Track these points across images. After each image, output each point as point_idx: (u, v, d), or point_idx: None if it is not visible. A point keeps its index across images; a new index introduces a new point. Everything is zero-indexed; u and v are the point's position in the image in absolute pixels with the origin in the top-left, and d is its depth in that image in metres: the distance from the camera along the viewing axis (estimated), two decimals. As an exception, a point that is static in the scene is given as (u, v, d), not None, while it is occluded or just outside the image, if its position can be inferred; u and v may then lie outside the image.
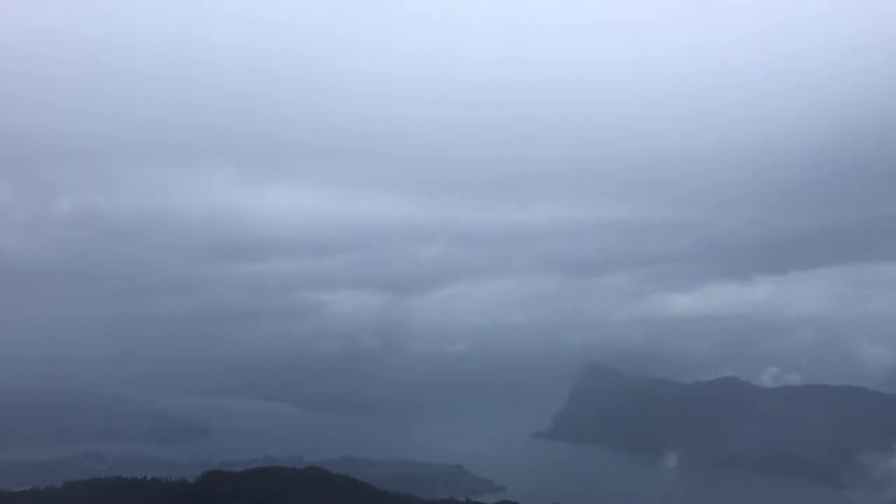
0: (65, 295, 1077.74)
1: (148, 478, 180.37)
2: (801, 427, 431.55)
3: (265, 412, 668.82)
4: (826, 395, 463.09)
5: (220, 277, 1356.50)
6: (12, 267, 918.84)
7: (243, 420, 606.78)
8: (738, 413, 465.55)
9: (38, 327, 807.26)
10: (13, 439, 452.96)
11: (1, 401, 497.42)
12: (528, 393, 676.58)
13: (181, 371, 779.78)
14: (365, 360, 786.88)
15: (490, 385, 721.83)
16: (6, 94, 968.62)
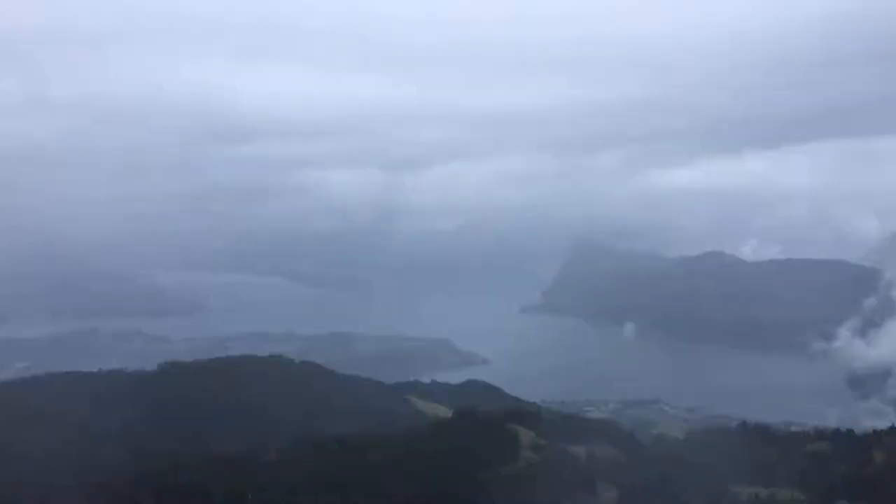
0: (63, 177, 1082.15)
1: (104, 370, 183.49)
2: (781, 300, 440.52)
3: (259, 287, 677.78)
4: (808, 269, 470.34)
5: (216, 158, 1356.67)
6: (11, 152, 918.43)
7: (238, 296, 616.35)
8: (722, 286, 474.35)
9: (37, 209, 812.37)
10: (11, 318, 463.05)
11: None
12: (520, 269, 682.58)
13: (178, 248, 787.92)
14: (357, 237, 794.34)
15: (482, 261, 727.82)
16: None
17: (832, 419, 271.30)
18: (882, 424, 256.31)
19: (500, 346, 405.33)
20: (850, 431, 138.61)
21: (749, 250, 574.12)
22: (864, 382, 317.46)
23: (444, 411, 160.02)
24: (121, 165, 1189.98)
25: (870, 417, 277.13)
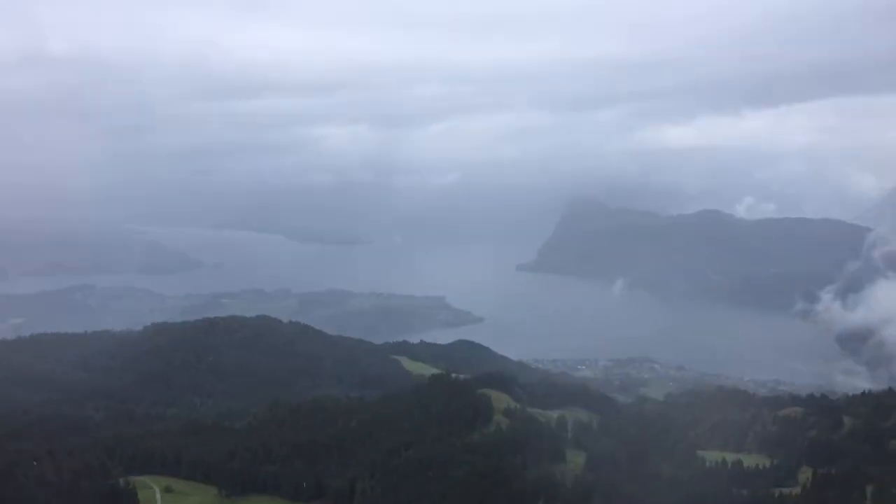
0: (60, 131, 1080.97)
1: (90, 331, 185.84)
2: (774, 259, 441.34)
3: (258, 243, 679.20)
4: (802, 228, 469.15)
5: (213, 114, 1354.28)
6: (8, 106, 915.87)
7: (236, 252, 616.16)
8: (716, 245, 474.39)
9: (36, 165, 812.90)
10: (8, 273, 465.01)
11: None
12: (518, 225, 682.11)
13: (176, 203, 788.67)
14: (355, 193, 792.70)
15: (480, 216, 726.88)
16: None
17: (814, 378, 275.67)
18: (859, 384, 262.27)
19: (495, 304, 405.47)
20: (823, 396, 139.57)
21: (745, 208, 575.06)
22: (846, 342, 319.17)
23: (431, 371, 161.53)
24: (118, 120, 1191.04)
25: (847, 377, 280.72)
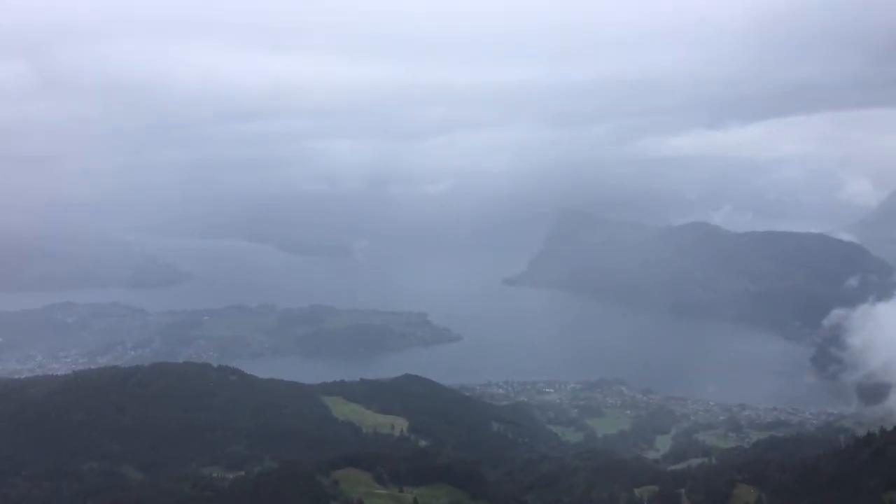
0: (64, 153, 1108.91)
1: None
2: (759, 273, 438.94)
3: (248, 253, 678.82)
4: (787, 242, 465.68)
5: (216, 134, 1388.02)
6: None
7: (226, 263, 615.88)
8: (703, 258, 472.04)
9: (34, 181, 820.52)
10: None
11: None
12: (511, 236, 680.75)
13: (170, 213, 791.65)
14: (347, 203, 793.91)
15: (471, 226, 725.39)
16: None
17: (785, 401, 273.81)
18: (834, 408, 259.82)
19: (476, 320, 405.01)
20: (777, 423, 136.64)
21: (734, 218, 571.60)
22: (832, 366, 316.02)
23: (362, 414, 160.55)
24: (124, 142, 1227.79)
25: (836, 402, 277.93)
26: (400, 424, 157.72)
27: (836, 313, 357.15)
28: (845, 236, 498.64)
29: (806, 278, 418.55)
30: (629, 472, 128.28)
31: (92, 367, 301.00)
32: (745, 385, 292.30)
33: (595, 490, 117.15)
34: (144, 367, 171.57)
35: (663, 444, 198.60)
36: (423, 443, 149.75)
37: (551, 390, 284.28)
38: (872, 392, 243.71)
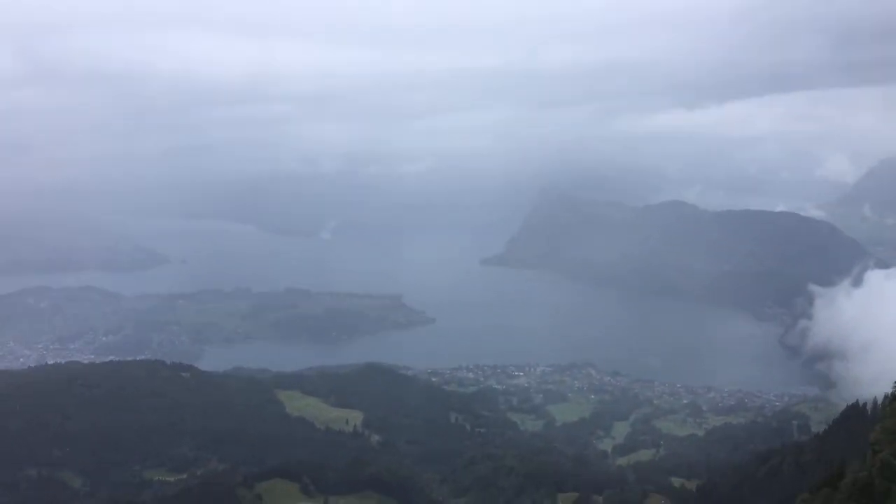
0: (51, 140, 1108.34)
1: None
2: (735, 254, 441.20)
3: (228, 235, 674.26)
4: (761, 220, 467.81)
5: (197, 118, 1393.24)
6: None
7: (205, 244, 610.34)
8: (678, 238, 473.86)
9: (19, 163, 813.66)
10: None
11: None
12: (491, 215, 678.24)
13: (147, 197, 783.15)
14: (326, 184, 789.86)
15: (450, 205, 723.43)
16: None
17: (751, 384, 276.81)
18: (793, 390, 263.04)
19: (452, 302, 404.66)
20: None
21: (707, 197, 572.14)
22: (798, 350, 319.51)
23: (319, 409, 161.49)
24: (106, 130, 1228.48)
25: (800, 384, 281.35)
26: (355, 418, 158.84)
27: (806, 294, 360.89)
28: (818, 214, 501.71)
29: (777, 258, 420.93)
30: (558, 475, 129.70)
31: (63, 353, 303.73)
32: (714, 366, 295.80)
33: (522, 494, 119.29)
34: (95, 365, 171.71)
35: (621, 431, 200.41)
36: (375, 438, 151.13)
37: (521, 374, 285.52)
38: (831, 375, 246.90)
